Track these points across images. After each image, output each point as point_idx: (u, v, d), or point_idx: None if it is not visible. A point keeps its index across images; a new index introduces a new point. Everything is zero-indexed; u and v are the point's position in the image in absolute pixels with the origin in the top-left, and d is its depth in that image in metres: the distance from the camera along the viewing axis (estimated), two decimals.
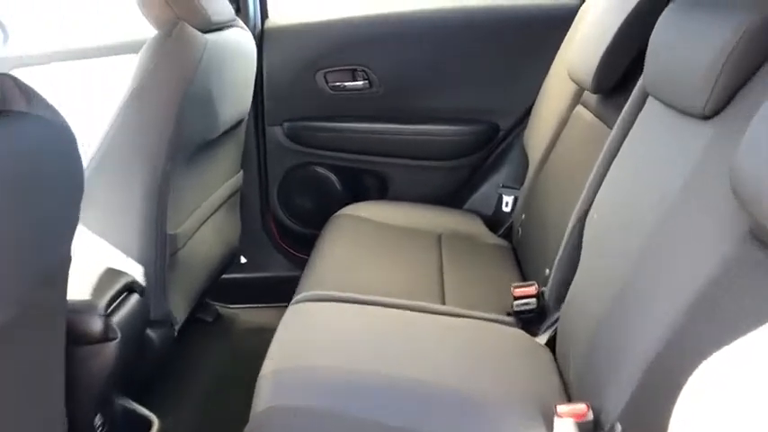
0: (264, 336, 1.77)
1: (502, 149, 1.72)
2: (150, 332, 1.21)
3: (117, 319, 1.05)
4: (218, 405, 1.43)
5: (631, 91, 1.06)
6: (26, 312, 0.67)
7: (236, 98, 1.39)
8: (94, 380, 1.06)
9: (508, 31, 1.64)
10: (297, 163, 1.78)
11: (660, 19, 0.92)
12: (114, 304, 1.05)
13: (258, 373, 0.92)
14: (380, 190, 1.79)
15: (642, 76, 0.98)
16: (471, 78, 1.67)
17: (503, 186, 1.65)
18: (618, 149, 0.98)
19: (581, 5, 1.53)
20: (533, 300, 1.15)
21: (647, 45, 0.94)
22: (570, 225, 1.09)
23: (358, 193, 1.78)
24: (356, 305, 1.11)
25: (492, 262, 1.44)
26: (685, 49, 0.81)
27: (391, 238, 1.47)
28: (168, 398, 1.40)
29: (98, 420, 1.03)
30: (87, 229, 1.13)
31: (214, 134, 1.29)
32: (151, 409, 1.13)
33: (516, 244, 1.51)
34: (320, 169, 1.78)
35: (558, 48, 1.54)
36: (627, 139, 0.96)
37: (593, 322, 0.85)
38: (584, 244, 1.01)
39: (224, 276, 1.68)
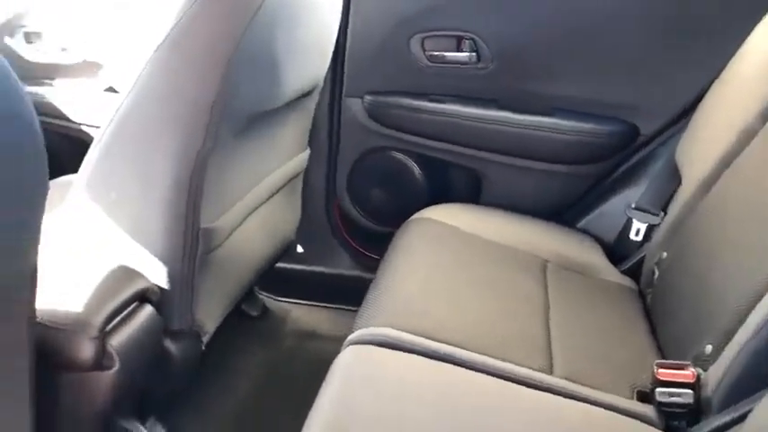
0: (318, 344, 1.46)
1: (639, 160, 1.33)
2: (171, 345, 0.96)
3: (118, 340, 0.81)
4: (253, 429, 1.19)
5: None
6: None
7: (308, 60, 1.08)
8: (87, 409, 0.83)
9: None
10: (374, 146, 1.47)
11: None
12: (116, 320, 0.81)
13: (308, 394, 0.76)
14: (472, 191, 1.45)
15: None
16: (611, 59, 1.28)
17: (634, 208, 1.27)
18: None
19: None
20: (689, 392, 0.81)
21: None
22: None
23: (444, 192, 1.46)
24: (431, 361, 0.85)
25: (615, 310, 1.09)
26: None
27: (482, 257, 1.15)
28: (191, 417, 1.17)
29: None
30: (100, 217, 0.89)
31: (275, 104, 0.99)
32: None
33: (647, 288, 1.14)
34: (401, 156, 1.47)
35: (750, 26, 1.11)
36: None
37: None
38: None
39: (277, 265, 1.43)
